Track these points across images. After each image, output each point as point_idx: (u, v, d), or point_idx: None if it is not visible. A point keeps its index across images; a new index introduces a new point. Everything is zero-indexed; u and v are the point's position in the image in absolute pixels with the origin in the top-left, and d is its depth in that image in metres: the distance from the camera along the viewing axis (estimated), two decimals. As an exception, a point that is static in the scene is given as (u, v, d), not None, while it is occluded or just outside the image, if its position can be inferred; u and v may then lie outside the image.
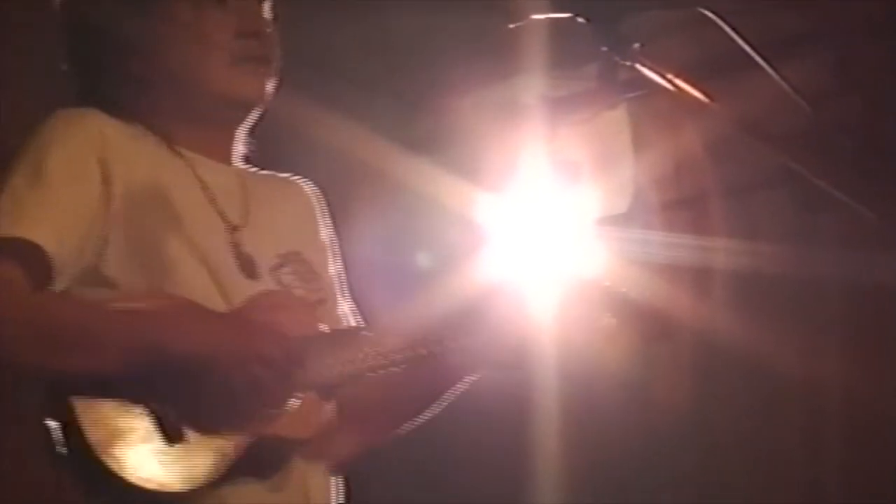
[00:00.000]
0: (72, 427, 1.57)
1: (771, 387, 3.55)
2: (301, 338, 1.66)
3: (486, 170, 3.82)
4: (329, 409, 1.73)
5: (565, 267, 2.25)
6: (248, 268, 1.74)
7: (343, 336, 1.74)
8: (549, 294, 1.94)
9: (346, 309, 1.89)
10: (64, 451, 1.59)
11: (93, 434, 1.57)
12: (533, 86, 3.80)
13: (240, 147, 1.84)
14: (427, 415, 1.87)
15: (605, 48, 1.71)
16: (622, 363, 3.68)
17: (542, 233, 2.30)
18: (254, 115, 1.81)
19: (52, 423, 1.60)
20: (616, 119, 3.76)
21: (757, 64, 1.70)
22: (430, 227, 3.90)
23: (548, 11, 1.73)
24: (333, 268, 1.89)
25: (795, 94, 1.70)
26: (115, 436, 1.57)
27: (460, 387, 1.85)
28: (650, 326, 1.81)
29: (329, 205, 1.91)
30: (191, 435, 1.60)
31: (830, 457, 3.46)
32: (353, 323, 1.87)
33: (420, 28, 3.52)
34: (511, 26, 1.73)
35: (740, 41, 1.70)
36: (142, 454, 1.57)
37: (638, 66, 1.70)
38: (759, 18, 2.84)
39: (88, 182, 1.66)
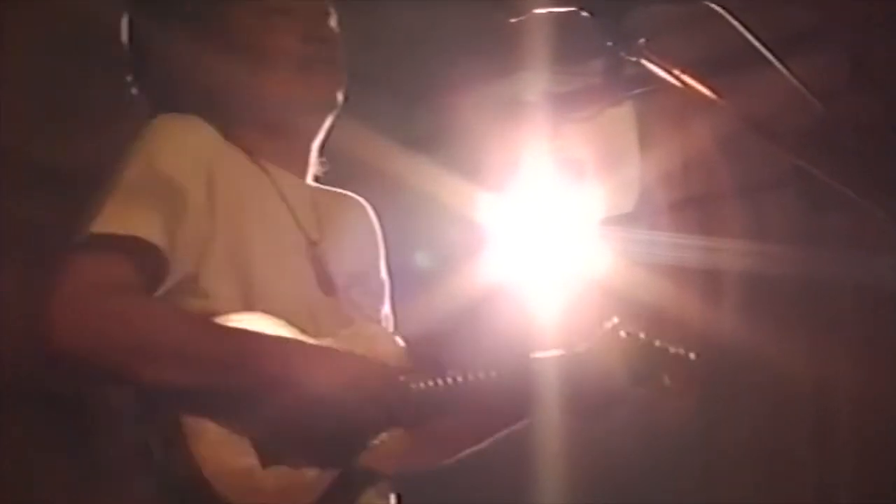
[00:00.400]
0: (177, 445, 1.59)
1: (779, 389, 3.56)
2: (393, 373, 1.69)
3: (487, 169, 3.83)
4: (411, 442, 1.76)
5: (569, 269, 2.26)
6: (327, 285, 1.78)
7: (425, 366, 1.77)
8: (553, 297, 1.94)
9: (385, 315, 1.93)
10: (166, 467, 1.61)
11: (198, 452, 1.58)
12: (535, 82, 3.81)
13: (313, 164, 1.88)
14: (481, 446, 1.90)
15: (609, 43, 1.71)
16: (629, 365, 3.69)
17: (546, 234, 2.30)
18: (326, 125, 1.84)
19: (156, 440, 1.62)
20: (621, 116, 3.76)
21: (766, 60, 1.70)
22: (429, 228, 3.90)
23: (551, 5, 1.73)
24: (383, 279, 1.94)
25: (806, 91, 1.71)
26: (218, 456, 1.59)
27: (516, 426, 1.88)
28: (702, 386, 1.83)
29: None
30: (286, 460, 1.62)
31: (839, 460, 3.47)
32: (399, 342, 1.89)
33: (419, 23, 3.53)
34: (513, 21, 1.73)
35: (749, 36, 1.70)
36: (239, 476, 1.60)
37: (644, 61, 1.70)
38: (768, 13, 2.84)
39: (197, 187, 1.69)
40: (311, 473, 1.63)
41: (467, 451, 1.91)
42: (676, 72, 1.69)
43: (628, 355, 1.77)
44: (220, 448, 1.59)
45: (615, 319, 1.77)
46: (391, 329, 1.90)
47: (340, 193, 1.93)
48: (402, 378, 1.68)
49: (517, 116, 3.85)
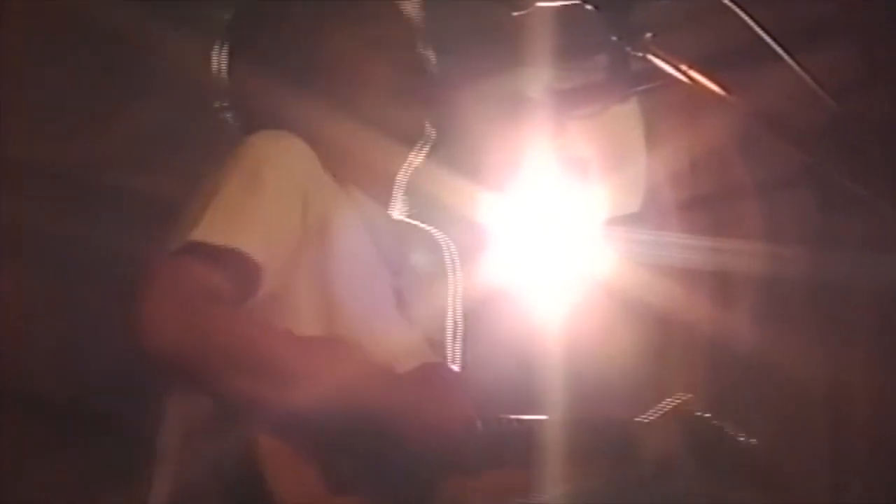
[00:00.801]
0: (251, 465, 1.60)
1: (792, 394, 3.55)
2: (472, 412, 1.72)
3: (487, 167, 3.82)
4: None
5: (573, 272, 2.26)
6: (408, 315, 1.84)
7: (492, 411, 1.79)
8: (556, 301, 1.95)
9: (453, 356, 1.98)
10: (236, 487, 1.63)
11: (270, 473, 1.60)
12: (538, 78, 3.80)
13: (399, 197, 1.92)
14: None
15: (615, 38, 1.71)
16: (636, 369, 3.70)
17: (548, 235, 2.31)
18: (414, 159, 1.89)
19: (227, 457, 1.64)
20: (627, 114, 3.75)
21: (777, 55, 1.70)
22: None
23: (554, -1, 1.73)
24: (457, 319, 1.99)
25: (818, 87, 1.70)
26: (289, 479, 1.61)
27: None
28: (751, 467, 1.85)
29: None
30: (357, 491, 1.64)
31: (854, 466, 3.47)
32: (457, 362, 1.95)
33: (421, 18, 3.52)
34: (515, 14, 1.73)
35: (759, 30, 1.69)
36: (309, 501, 1.62)
37: (650, 56, 1.70)
38: (778, 6, 2.83)
39: (296, 205, 1.75)
40: None
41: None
42: (684, 67, 1.69)
43: (692, 435, 1.78)
44: (292, 472, 1.60)
45: (684, 396, 1.80)
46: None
47: (418, 226, 1.99)
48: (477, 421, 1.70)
49: (519, 113, 3.84)
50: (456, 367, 1.81)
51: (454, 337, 1.94)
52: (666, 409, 1.78)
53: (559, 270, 3.65)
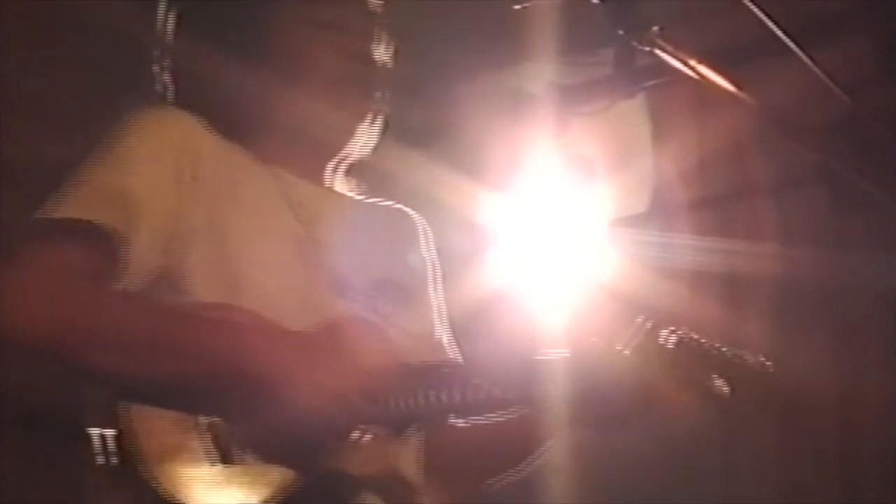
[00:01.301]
0: (125, 436, 1.61)
1: (802, 399, 3.56)
2: (376, 372, 1.69)
3: (489, 166, 3.83)
4: (399, 447, 1.77)
5: (577, 274, 2.26)
6: (337, 287, 1.81)
7: (421, 371, 1.77)
8: (560, 304, 1.94)
9: (444, 339, 1.96)
10: (113, 460, 1.62)
11: (146, 445, 1.61)
12: (541, 73, 3.81)
13: (338, 177, 1.92)
14: (518, 471, 1.90)
15: (621, 31, 1.71)
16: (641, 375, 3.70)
17: (552, 236, 2.30)
18: (350, 148, 1.86)
19: (105, 431, 1.63)
20: (633, 110, 3.76)
21: (789, 49, 1.70)
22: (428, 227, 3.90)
23: (557, -9, 1.73)
24: (434, 297, 1.95)
25: (831, 83, 1.70)
26: (169, 450, 1.61)
27: (550, 445, 1.88)
28: (765, 392, 1.81)
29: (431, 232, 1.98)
30: (247, 460, 1.63)
31: (864, 470, 3.48)
32: (449, 353, 1.93)
33: (416, 9, 3.53)
34: (517, 7, 1.73)
35: (770, 24, 1.70)
36: (193, 473, 1.62)
37: (657, 51, 1.70)
38: (789, 1, 2.84)
39: (174, 179, 1.73)
40: (274, 473, 1.64)
41: (498, 482, 1.91)
42: (692, 62, 1.69)
43: (670, 357, 1.75)
44: (172, 444, 1.61)
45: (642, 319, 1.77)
46: (434, 334, 1.93)
47: (375, 204, 1.98)
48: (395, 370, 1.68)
49: (521, 110, 3.85)
50: (373, 324, 1.77)
51: (440, 318, 1.92)
52: (638, 335, 1.74)
53: (563, 273, 3.65)
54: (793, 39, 1.71)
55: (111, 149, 1.73)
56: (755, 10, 1.69)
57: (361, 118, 1.88)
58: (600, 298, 3.22)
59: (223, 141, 1.82)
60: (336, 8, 1.86)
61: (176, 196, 1.72)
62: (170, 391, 1.61)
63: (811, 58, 1.72)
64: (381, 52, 1.89)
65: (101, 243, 1.66)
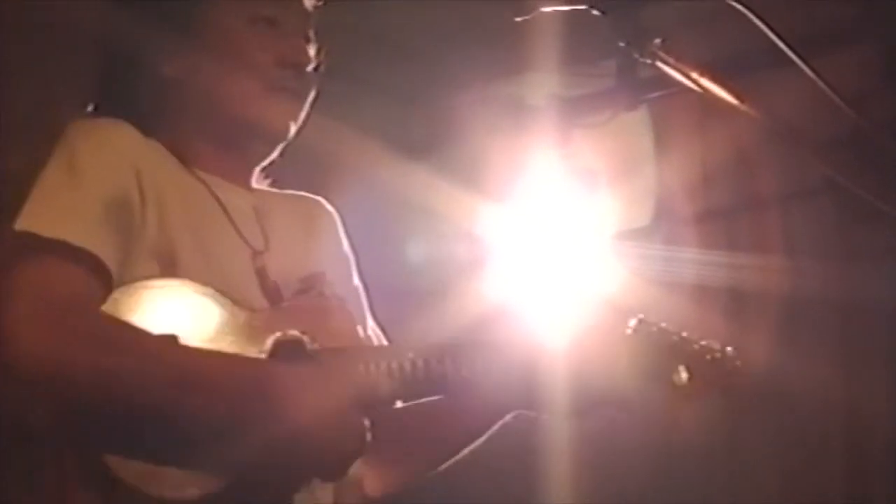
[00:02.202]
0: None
1: (809, 415, 3.57)
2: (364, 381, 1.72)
3: (490, 178, 3.85)
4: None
5: (580, 288, 2.28)
6: (273, 295, 1.82)
7: (364, 352, 1.79)
8: (561, 317, 1.96)
9: (371, 326, 1.98)
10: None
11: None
12: (543, 85, 3.83)
13: (257, 175, 1.94)
14: (464, 452, 1.94)
15: (623, 43, 1.73)
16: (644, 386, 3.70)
17: (554, 250, 2.32)
18: (275, 154, 1.90)
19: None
20: (636, 122, 3.78)
21: (791, 61, 1.72)
22: (426, 241, 3.92)
23: (560, 3, 1.75)
24: (356, 285, 1.98)
25: (834, 95, 1.73)
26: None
27: (497, 425, 1.91)
28: (728, 380, 1.83)
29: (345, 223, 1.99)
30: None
31: (874, 488, 3.48)
32: (378, 340, 1.95)
33: (417, 20, 3.55)
34: (519, 19, 1.75)
35: (772, 35, 1.72)
36: None
37: (659, 63, 1.72)
38: (793, 9, 2.86)
39: (129, 195, 1.73)
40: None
41: (448, 461, 1.94)
42: (695, 74, 1.71)
43: (637, 347, 1.77)
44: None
45: (640, 317, 1.79)
46: (361, 322, 1.94)
47: (291, 195, 1.98)
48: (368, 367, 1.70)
49: (523, 121, 3.87)
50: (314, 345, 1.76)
51: (356, 308, 1.94)
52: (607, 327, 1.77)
53: (565, 286, 3.66)
54: (797, 51, 1.73)
55: (62, 162, 1.72)
56: (758, 22, 1.71)
57: (286, 129, 1.87)
58: (602, 311, 3.23)
59: (154, 145, 1.82)
60: (274, 5, 1.84)
61: (135, 209, 1.72)
62: (186, 436, 1.60)
63: (815, 69, 1.74)
64: (311, 55, 1.89)
65: (84, 264, 1.65)
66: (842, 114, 1.75)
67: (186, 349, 1.65)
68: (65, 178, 1.70)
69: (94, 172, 1.71)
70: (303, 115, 1.88)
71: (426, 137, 4.10)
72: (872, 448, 3.50)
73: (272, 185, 1.96)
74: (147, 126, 1.84)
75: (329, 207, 2.00)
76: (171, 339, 1.65)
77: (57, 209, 1.68)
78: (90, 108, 1.88)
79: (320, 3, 1.91)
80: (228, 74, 1.83)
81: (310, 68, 1.87)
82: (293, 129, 1.87)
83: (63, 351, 1.57)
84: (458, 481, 1.95)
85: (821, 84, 1.72)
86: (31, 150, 1.79)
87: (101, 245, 1.66)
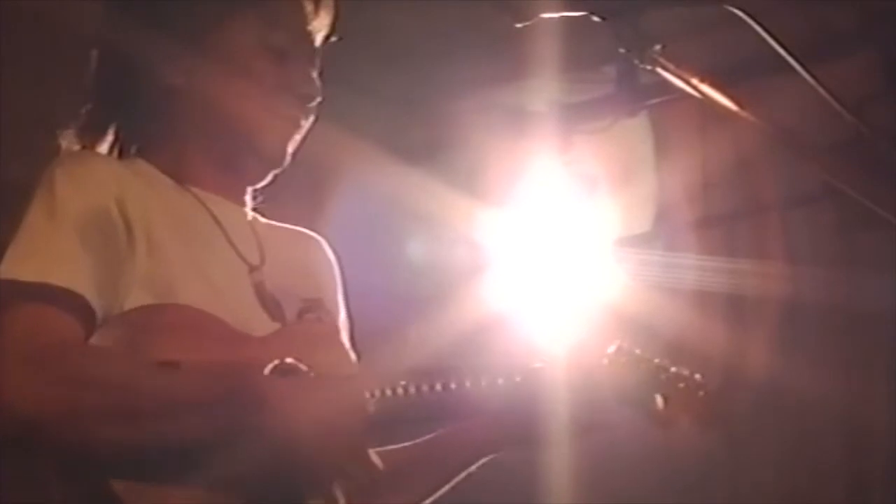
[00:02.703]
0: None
1: (811, 426, 3.57)
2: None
3: (490, 184, 3.85)
4: None
5: (580, 294, 2.28)
6: (273, 309, 1.82)
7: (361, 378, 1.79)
8: (562, 325, 1.96)
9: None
10: None
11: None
12: (543, 91, 3.83)
13: (250, 199, 1.94)
14: (441, 491, 1.94)
15: (623, 50, 1.73)
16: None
17: (554, 256, 2.32)
18: (270, 177, 1.90)
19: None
20: (636, 128, 3.78)
21: (792, 67, 1.72)
22: (426, 247, 3.92)
23: (560, 9, 1.75)
24: (343, 320, 1.98)
25: (835, 101, 1.73)
26: None
27: (477, 464, 1.92)
28: (705, 408, 1.83)
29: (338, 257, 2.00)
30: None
31: (874, 495, 3.48)
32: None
33: (417, 26, 3.56)
34: (519, 25, 1.75)
35: (772, 41, 1.72)
36: None
37: (660, 69, 1.72)
38: (793, 16, 2.87)
39: (112, 227, 1.73)
40: None
41: (433, 494, 1.94)
42: (695, 80, 1.71)
43: (618, 372, 1.78)
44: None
45: (618, 343, 1.79)
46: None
47: (287, 228, 1.99)
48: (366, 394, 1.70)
49: (524, 127, 3.87)
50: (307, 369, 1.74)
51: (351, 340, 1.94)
52: (587, 353, 1.78)
53: (565, 292, 3.66)
54: (797, 57, 1.74)
55: (44, 202, 1.72)
56: (758, 28, 1.71)
57: (283, 153, 1.86)
58: (603, 318, 3.24)
59: (138, 167, 1.82)
60: (286, 37, 1.85)
61: (122, 242, 1.72)
62: (181, 454, 1.60)
63: (815, 76, 1.74)
64: (317, 82, 1.89)
65: (66, 305, 1.65)
66: (842, 120, 1.76)
67: (173, 373, 1.65)
68: (44, 222, 1.70)
69: (74, 212, 1.71)
70: (297, 142, 1.88)
71: (427, 143, 4.11)
72: (873, 456, 3.50)
73: (264, 203, 1.96)
74: (140, 136, 1.85)
75: (326, 247, 2.00)
76: (157, 366, 1.65)
77: (37, 253, 1.68)
78: (84, 109, 1.88)
79: (332, 40, 1.91)
80: (233, 90, 1.83)
81: (313, 103, 1.87)
82: (288, 155, 1.88)
83: (44, 402, 1.58)
84: (456, 492, 1.96)
85: (821, 90, 1.72)
86: (31, 157, 1.79)
87: (83, 283, 1.66)
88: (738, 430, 3.65)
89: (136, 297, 1.71)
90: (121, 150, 1.88)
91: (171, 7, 1.85)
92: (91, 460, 1.62)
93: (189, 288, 1.73)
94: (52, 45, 2.98)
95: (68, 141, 1.86)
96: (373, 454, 1.78)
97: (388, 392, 1.71)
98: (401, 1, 3.39)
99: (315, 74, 1.89)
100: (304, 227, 2.02)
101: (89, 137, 1.87)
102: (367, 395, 1.69)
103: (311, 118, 1.89)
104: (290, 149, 1.87)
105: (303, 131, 1.89)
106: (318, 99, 1.88)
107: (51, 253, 1.68)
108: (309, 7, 1.88)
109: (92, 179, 1.75)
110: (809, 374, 3.44)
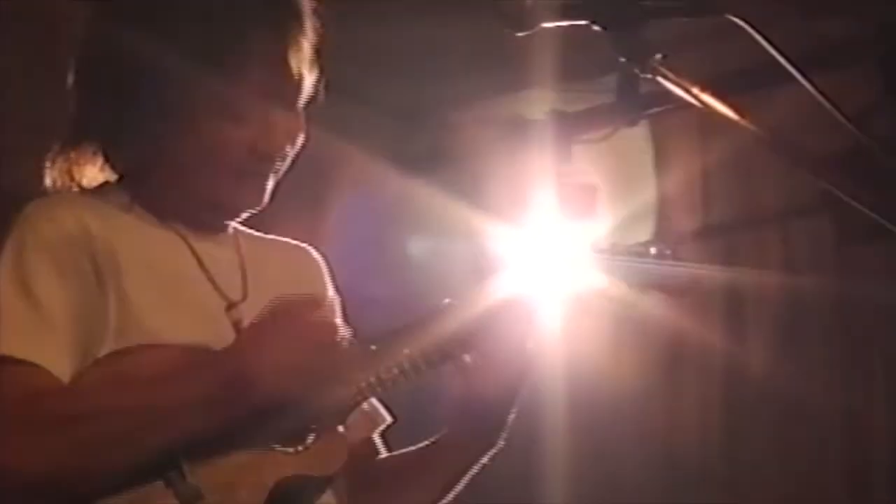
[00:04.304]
0: None
1: (811, 432, 3.57)
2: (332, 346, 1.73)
3: (490, 193, 3.85)
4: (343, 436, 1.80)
5: (580, 303, 2.27)
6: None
7: (353, 353, 1.79)
8: (560, 329, 1.96)
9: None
10: None
11: None
12: (543, 100, 3.83)
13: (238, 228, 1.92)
14: (452, 494, 1.94)
15: (623, 59, 1.73)
16: (644, 401, 3.70)
17: (553, 265, 2.31)
18: (247, 214, 1.88)
19: None
20: (636, 137, 3.78)
21: (792, 77, 1.72)
22: (426, 256, 3.92)
23: (561, 19, 1.75)
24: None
25: (834, 110, 1.72)
26: None
27: (483, 463, 1.92)
28: (671, 286, 1.89)
29: (331, 268, 1.98)
30: (208, 492, 1.65)
31: (874, 499, 3.48)
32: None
33: (418, 36, 3.56)
34: (519, 35, 1.75)
35: (773, 51, 1.72)
36: None
37: (660, 78, 1.72)
38: (793, 25, 2.87)
39: (83, 285, 1.71)
40: (239, 497, 1.66)
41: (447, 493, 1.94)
42: (695, 90, 1.71)
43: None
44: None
45: None
46: None
47: (276, 241, 1.97)
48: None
49: (524, 137, 3.87)
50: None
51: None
52: None
53: (564, 301, 3.65)
54: (797, 66, 1.73)
55: (13, 270, 1.70)
56: (757, 37, 1.71)
57: (262, 199, 1.83)
58: (603, 326, 3.24)
59: (116, 204, 1.80)
60: (257, 96, 1.78)
61: (94, 298, 1.71)
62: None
63: (815, 85, 1.73)
64: (295, 131, 1.83)
65: (37, 372, 1.66)
66: (842, 130, 1.75)
67: (153, 383, 1.66)
68: (12, 290, 1.69)
69: (44, 273, 1.70)
70: (272, 188, 1.86)
71: (428, 153, 4.11)
72: (871, 462, 3.50)
73: (261, 213, 1.93)
74: (126, 162, 1.82)
75: (315, 255, 1.98)
76: (141, 380, 1.67)
77: (5, 325, 1.67)
78: (70, 127, 1.84)
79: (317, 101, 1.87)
80: (197, 160, 1.79)
81: (281, 156, 1.82)
82: (265, 201, 1.86)
83: (37, 451, 1.60)
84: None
85: (821, 100, 1.72)
86: (26, 168, 1.78)
87: (51, 356, 1.66)
88: (737, 435, 3.66)
89: (108, 347, 1.70)
90: (108, 171, 1.85)
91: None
92: (100, 490, 1.62)
93: (161, 332, 1.72)
94: (44, 50, 2.97)
95: (55, 163, 1.83)
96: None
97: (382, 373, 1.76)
98: (401, 12, 3.39)
99: (296, 115, 1.83)
100: (305, 238, 2.00)
101: (75, 155, 1.83)
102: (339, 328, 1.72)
103: (284, 165, 1.84)
104: (264, 197, 1.83)
105: (275, 180, 1.85)
106: (285, 153, 1.83)
107: (18, 325, 1.67)
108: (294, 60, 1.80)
109: (59, 235, 1.72)
110: (808, 383, 3.44)
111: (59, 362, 1.67)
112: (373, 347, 1.80)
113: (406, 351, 1.81)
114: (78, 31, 1.85)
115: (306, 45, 1.82)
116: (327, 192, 3.75)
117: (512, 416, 1.91)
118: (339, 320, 1.85)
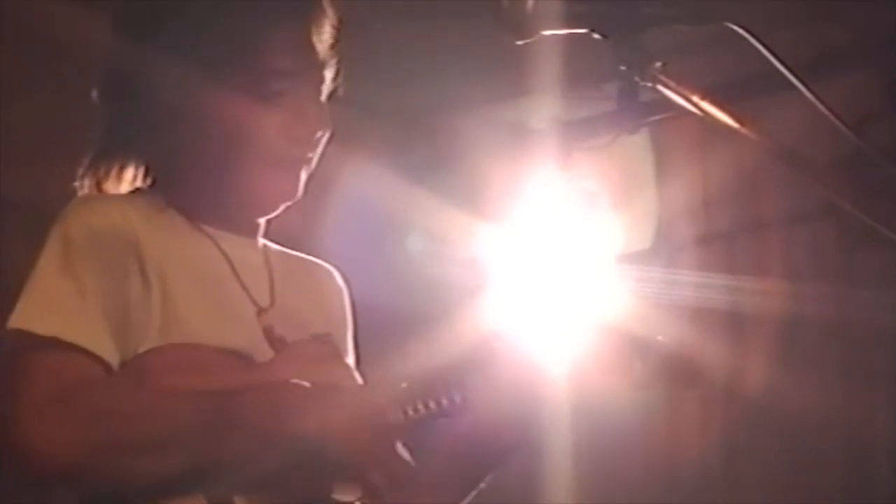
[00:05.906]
0: None
1: (811, 444, 3.57)
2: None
3: (490, 201, 3.85)
4: None
5: (581, 312, 2.27)
6: (282, 349, 1.81)
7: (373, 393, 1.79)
8: (562, 342, 1.96)
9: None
10: None
11: None
12: (544, 108, 3.83)
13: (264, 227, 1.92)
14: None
15: (623, 67, 1.73)
16: (645, 416, 3.70)
17: (554, 273, 2.31)
18: (280, 210, 1.88)
19: None
20: (637, 145, 3.79)
21: (793, 85, 1.72)
22: (426, 264, 3.92)
23: (561, 26, 1.75)
24: (352, 358, 1.97)
25: (835, 118, 1.72)
26: None
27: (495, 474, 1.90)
28: (681, 373, 1.86)
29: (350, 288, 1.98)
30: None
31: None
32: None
33: (418, 42, 3.56)
34: (519, 43, 1.75)
35: (773, 59, 1.72)
36: None
37: (661, 86, 1.72)
38: (794, 33, 2.87)
39: (128, 277, 1.71)
40: None
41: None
42: (696, 98, 1.71)
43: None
44: None
45: None
46: None
47: (302, 258, 1.97)
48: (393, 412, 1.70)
49: (524, 144, 3.88)
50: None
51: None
52: None
53: (566, 311, 3.65)
54: (798, 74, 1.73)
55: (59, 257, 1.70)
56: (758, 45, 1.71)
57: (296, 189, 1.84)
58: (604, 336, 3.24)
59: (153, 206, 1.80)
60: (285, 81, 1.79)
61: (139, 293, 1.71)
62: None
63: (816, 93, 1.74)
64: (325, 117, 1.84)
65: (86, 355, 1.65)
66: (843, 137, 1.75)
67: (198, 394, 1.65)
68: (59, 273, 1.68)
69: (90, 262, 1.69)
70: (306, 175, 1.86)
71: (427, 160, 4.11)
72: (872, 473, 3.49)
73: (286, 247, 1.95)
74: (154, 167, 1.83)
75: (339, 278, 1.98)
76: (180, 393, 1.66)
77: (52, 307, 1.67)
78: (96, 138, 1.85)
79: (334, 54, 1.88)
80: (232, 151, 1.79)
81: (314, 143, 1.84)
82: (299, 193, 1.86)
83: (76, 442, 1.58)
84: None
85: (822, 108, 1.72)
86: (26, 176, 1.78)
87: (98, 339, 1.66)
88: (737, 446, 3.65)
89: (150, 345, 1.70)
90: (138, 181, 1.86)
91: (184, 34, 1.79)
92: (124, 494, 1.61)
93: (201, 334, 1.72)
94: (52, 62, 2.98)
95: (84, 179, 1.83)
96: (401, 458, 1.77)
97: (410, 410, 1.72)
98: (401, 18, 3.39)
99: (321, 106, 1.85)
100: (305, 243, 2.01)
101: (104, 170, 1.83)
102: (385, 402, 1.70)
103: (319, 148, 1.86)
104: (300, 185, 1.84)
105: (312, 164, 1.86)
106: (319, 133, 1.84)
107: (66, 308, 1.66)
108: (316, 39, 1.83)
109: (107, 227, 1.73)
110: (810, 392, 3.43)
111: (107, 349, 1.66)
112: (403, 385, 1.76)
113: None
114: (94, 42, 1.85)
115: (328, 26, 1.84)
116: (326, 199, 3.75)
117: (503, 466, 1.88)
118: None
